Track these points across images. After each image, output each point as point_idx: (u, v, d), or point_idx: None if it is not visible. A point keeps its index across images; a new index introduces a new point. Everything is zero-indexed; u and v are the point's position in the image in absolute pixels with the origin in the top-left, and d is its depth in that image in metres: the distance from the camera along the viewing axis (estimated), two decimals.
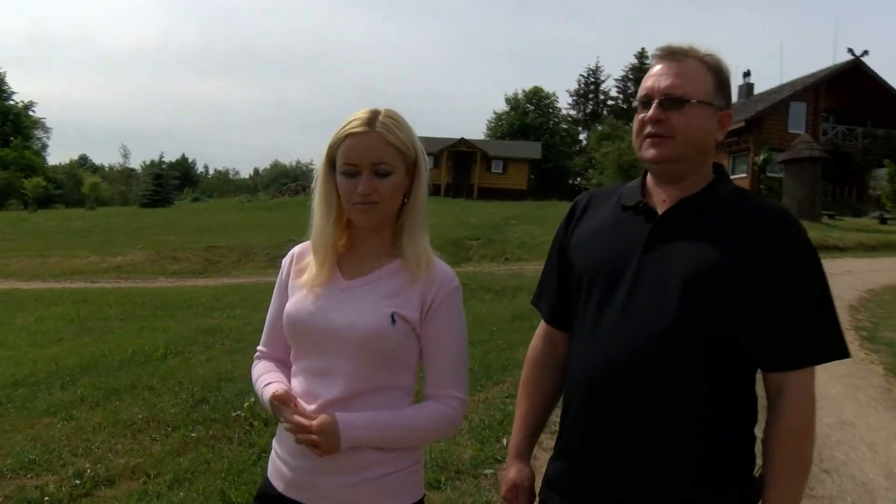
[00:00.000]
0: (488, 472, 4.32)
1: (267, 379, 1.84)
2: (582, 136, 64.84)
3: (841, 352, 1.62)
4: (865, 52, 34.44)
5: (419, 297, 1.76)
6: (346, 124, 1.74)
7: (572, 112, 67.25)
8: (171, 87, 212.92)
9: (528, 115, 56.54)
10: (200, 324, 9.85)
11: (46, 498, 4.00)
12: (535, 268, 14.85)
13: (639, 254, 1.65)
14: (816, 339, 1.60)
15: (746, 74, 42.08)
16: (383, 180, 1.72)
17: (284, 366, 1.89)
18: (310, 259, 1.84)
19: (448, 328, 1.79)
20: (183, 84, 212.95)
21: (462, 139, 46.62)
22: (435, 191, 44.71)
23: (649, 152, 1.67)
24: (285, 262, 1.92)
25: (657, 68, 1.70)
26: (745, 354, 1.60)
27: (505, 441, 4.51)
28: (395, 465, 1.75)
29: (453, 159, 46.00)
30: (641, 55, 66.55)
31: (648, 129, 1.67)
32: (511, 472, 1.89)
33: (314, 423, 1.64)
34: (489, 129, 59.61)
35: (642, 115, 1.69)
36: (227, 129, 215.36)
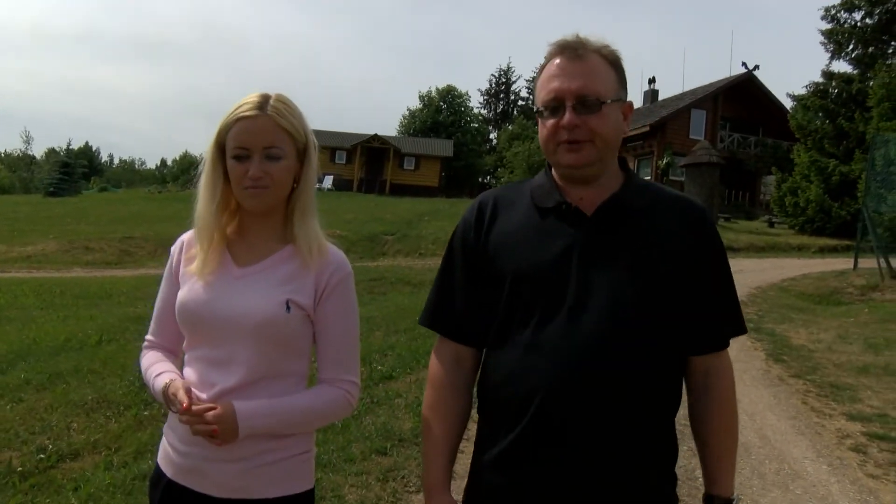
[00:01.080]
0: None
1: (157, 369, 1.80)
2: (492, 136, 65.93)
3: (744, 328, 1.73)
4: (756, 67, 36.39)
5: (313, 282, 1.76)
6: (237, 108, 1.72)
7: (483, 111, 68.29)
8: (72, 71, 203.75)
9: (440, 113, 56.87)
10: (127, 312, 9.97)
11: (20, 469, 4.25)
12: None
13: (576, 257, 1.60)
14: (733, 319, 1.69)
15: (652, 81, 43.61)
16: (274, 164, 1.71)
17: (173, 355, 1.87)
18: (198, 246, 1.81)
19: (341, 313, 1.79)
20: (85, 69, 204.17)
21: (375, 135, 46.66)
22: (348, 186, 44.60)
23: (568, 157, 1.62)
24: (174, 249, 1.88)
25: (556, 68, 1.64)
26: (684, 340, 1.63)
27: None
28: (287, 451, 1.75)
29: (366, 155, 45.99)
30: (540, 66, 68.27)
31: (564, 135, 1.61)
32: None
33: (211, 413, 1.61)
34: (402, 125, 59.82)
35: (554, 121, 1.62)
36: (132, 118, 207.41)
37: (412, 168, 46.98)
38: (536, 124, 1.74)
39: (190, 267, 1.79)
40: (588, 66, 1.61)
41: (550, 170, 1.74)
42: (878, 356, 7.97)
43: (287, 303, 1.71)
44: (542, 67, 1.69)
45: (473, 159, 55.57)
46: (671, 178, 32.03)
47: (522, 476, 1.60)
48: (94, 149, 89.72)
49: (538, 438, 1.57)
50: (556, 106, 1.62)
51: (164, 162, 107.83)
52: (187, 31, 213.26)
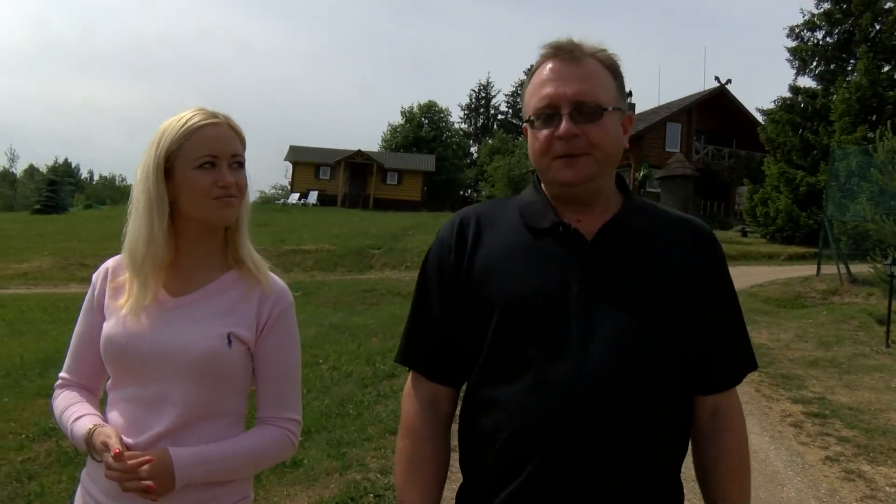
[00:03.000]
0: None
1: (76, 411, 1.64)
2: (473, 150, 66.93)
3: (755, 363, 1.59)
4: (729, 81, 37.39)
5: (255, 314, 1.64)
6: (188, 119, 1.60)
7: (464, 126, 69.30)
8: (43, 86, 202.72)
9: (422, 129, 57.65)
10: None
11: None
12: None
13: (575, 284, 1.42)
14: (745, 355, 1.55)
15: (629, 95, 44.66)
16: (240, 172, 1.63)
17: (91, 394, 1.73)
18: (127, 276, 1.65)
19: (284, 347, 1.68)
20: (57, 84, 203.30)
21: (359, 151, 47.29)
22: (332, 201, 45.19)
23: (565, 174, 1.44)
24: (96, 277, 1.72)
25: (550, 72, 1.46)
26: (692, 377, 1.49)
27: None
28: (228, 498, 1.63)
29: (350, 170, 46.63)
30: (530, 71, 69.56)
31: (560, 147, 1.42)
32: None
33: (146, 467, 1.46)
34: (384, 141, 60.61)
35: (548, 131, 1.43)
36: (108, 134, 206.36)
37: (395, 183, 47.71)
38: (524, 136, 1.57)
39: (119, 300, 1.63)
40: (585, 69, 1.44)
41: (539, 184, 1.57)
42: (828, 351, 8.86)
43: (228, 336, 1.58)
44: (532, 72, 1.51)
45: (455, 173, 56.37)
46: (648, 189, 33.01)
47: None
48: (73, 165, 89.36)
49: (543, 485, 1.40)
50: (550, 114, 1.43)
51: None
52: (159, 48, 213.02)
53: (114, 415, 1.61)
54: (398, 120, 60.77)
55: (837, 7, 26.58)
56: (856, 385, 7.22)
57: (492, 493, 1.45)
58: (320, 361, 7.48)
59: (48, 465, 4.52)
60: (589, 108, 1.42)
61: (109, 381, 1.66)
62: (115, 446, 1.47)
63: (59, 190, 45.29)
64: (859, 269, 14.18)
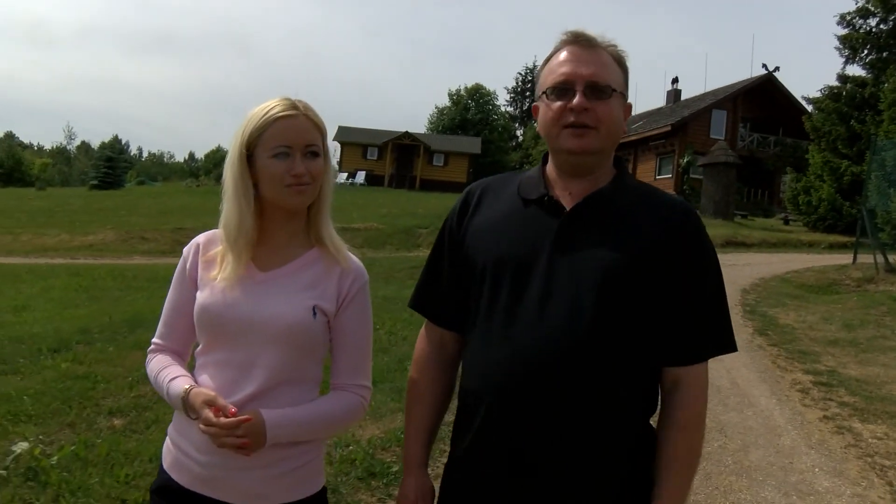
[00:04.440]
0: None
1: (171, 372, 1.78)
2: (518, 132, 67.24)
3: (730, 346, 1.64)
4: (777, 69, 37.34)
5: (335, 289, 1.76)
6: (268, 110, 1.72)
7: (510, 109, 69.56)
8: (94, 65, 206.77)
9: (468, 111, 58.18)
10: None
11: None
12: None
13: (548, 249, 1.58)
14: (713, 334, 1.61)
15: (675, 81, 44.47)
16: (314, 161, 1.73)
17: (181, 358, 1.86)
18: (218, 250, 1.79)
19: (359, 321, 1.80)
20: (106, 62, 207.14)
21: (406, 132, 48.21)
22: (379, 181, 45.92)
23: (572, 142, 1.59)
24: (188, 251, 1.85)
25: (568, 54, 1.63)
26: (653, 347, 1.58)
27: None
28: (306, 456, 1.77)
29: (397, 151, 47.55)
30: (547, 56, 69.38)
31: (571, 118, 1.58)
32: (409, 484, 1.77)
33: (244, 426, 1.60)
34: (431, 123, 61.22)
35: (562, 103, 1.59)
36: (154, 111, 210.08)
37: (441, 164, 48.49)
38: (534, 119, 1.71)
39: (211, 272, 1.78)
40: (600, 57, 1.62)
41: (544, 165, 1.74)
42: (850, 333, 9.41)
43: (314, 308, 1.72)
44: (550, 56, 1.69)
45: (500, 156, 56.67)
46: (691, 176, 33.18)
47: (479, 472, 1.62)
48: (123, 142, 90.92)
49: (495, 433, 1.57)
50: (565, 88, 1.60)
51: (192, 155, 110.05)
52: (202, 25, 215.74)
53: (204, 377, 1.76)
54: (445, 102, 61.34)
55: None
56: (869, 362, 7.80)
57: (461, 430, 1.68)
58: (378, 328, 8.28)
59: (157, 401, 5.35)
60: (601, 88, 1.59)
61: (200, 347, 1.81)
62: (229, 406, 1.62)
63: (115, 166, 46.91)
64: None
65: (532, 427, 1.53)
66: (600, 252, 1.56)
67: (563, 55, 1.64)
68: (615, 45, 1.67)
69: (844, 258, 17.84)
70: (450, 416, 1.82)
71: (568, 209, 1.61)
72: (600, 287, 1.53)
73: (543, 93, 1.65)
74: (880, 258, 15.18)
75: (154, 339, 1.88)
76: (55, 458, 4.02)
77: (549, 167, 1.72)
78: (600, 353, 1.52)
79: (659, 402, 1.66)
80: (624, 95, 1.65)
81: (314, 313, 1.72)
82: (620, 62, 1.66)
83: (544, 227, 1.61)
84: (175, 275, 1.85)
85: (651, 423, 1.65)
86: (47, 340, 7.44)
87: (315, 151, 1.73)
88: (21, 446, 4.13)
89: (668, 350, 1.59)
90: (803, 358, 7.77)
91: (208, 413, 1.62)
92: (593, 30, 1.66)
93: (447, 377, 1.81)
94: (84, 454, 4.15)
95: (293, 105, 1.73)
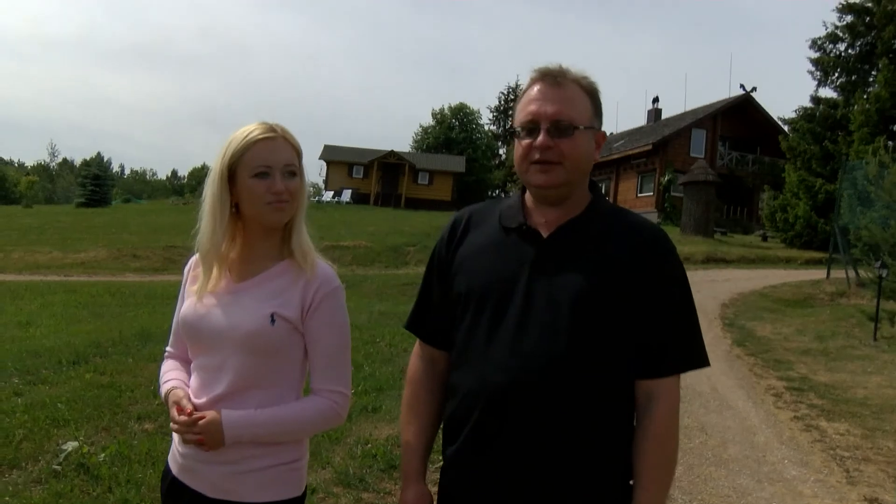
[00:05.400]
0: None
1: (168, 376, 1.96)
2: (502, 151, 67.95)
3: (703, 361, 1.71)
4: (754, 89, 38.29)
5: (300, 297, 1.84)
6: (250, 133, 1.82)
7: (493, 127, 70.31)
8: (73, 80, 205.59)
9: (453, 130, 58.72)
10: None
11: None
12: None
13: (526, 275, 1.66)
14: (684, 349, 1.67)
15: (655, 100, 44.97)
16: (293, 180, 1.83)
17: (188, 364, 1.98)
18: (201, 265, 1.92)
19: (329, 327, 1.86)
20: (85, 77, 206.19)
21: (392, 151, 48.71)
22: (365, 199, 46.25)
23: (538, 178, 1.68)
24: (187, 268, 2.01)
25: (537, 93, 1.70)
26: (627, 362, 1.64)
27: None
28: (276, 458, 1.84)
29: (383, 170, 48.03)
30: (521, 90, 70.16)
31: (536, 155, 1.66)
32: (408, 495, 1.84)
33: (200, 423, 1.75)
34: (415, 141, 61.67)
35: (529, 141, 1.68)
36: (135, 128, 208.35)
37: (426, 183, 48.99)
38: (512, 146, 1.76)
39: (193, 286, 1.92)
40: (566, 93, 1.68)
41: (524, 192, 1.81)
42: (822, 343, 10.01)
43: (272, 315, 1.80)
44: (523, 91, 1.76)
45: (484, 174, 57.22)
46: (672, 194, 33.85)
47: (462, 482, 1.71)
48: (105, 159, 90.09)
49: (474, 449, 1.67)
50: (532, 128, 1.68)
51: (175, 173, 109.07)
52: (187, 39, 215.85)
53: (193, 379, 1.92)
54: (429, 122, 61.93)
55: (860, 20, 27.35)
56: (837, 369, 8.40)
57: (448, 447, 1.76)
58: (378, 340, 8.75)
59: None
60: (563, 126, 1.65)
61: (189, 352, 1.96)
62: (187, 406, 1.80)
63: (102, 184, 46.98)
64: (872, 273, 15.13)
65: (514, 440, 1.62)
66: (574, 276, 1.64)
67: (532, 93, 1.72)
68: (586, 76, 1.73)
69: (819, 273, 18.38)
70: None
71: (545, 237, 1.71)
72: (574, 308, 1.61)
73: (515, 131, 1.73)
74: (852, 273, 15.81)
75: (167, 347, 2.06)
76: (102, 455, 4.45)
77: (528, 195, 1.80)
78: (577, 369, 1.59)
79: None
80: (593, 127, 1.72)
81: (272, 320, 1.80)
82: (591, 93, 1.73)
83: (523, 254, 1.70)
84: (179, 290, 2.03)
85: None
86: (64, 353, 7.79)
87: (293, 171, 1.84)
88: (71, 445, 4.56)
89: (639, 364, 1.65)
90: (778, 366, 8.33)
91: (173, 411, 1.81)
92: (565, 60, 1.76)
93: (439, 393, 1.88)
94: (126, 452, 4.57)
95: (272, 128, 1.84)
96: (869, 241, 11.48)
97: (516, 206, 1.78)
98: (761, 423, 6.06)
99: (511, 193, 1.96)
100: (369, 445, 4.88)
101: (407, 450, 1.89)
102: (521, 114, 1.72)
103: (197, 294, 1.88)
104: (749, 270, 21.23)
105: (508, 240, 1.74)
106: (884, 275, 10.28)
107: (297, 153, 1.88)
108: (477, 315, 1.70)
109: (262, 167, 1.80)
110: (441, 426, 1.87)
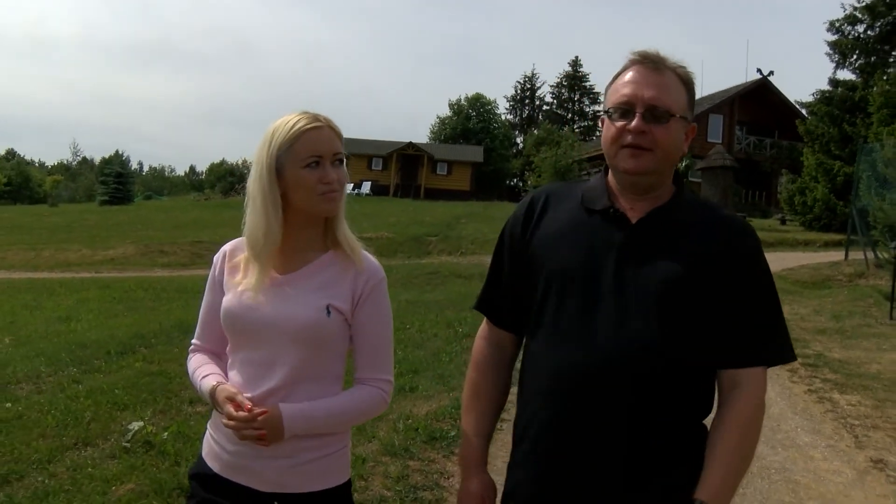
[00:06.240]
0: None
1: (204, 370, 1.90)
2: (519, 140, 68.07)
3: (789, 356, 1.69)
4: (771, 73, 38.52)
5: (350, 288, 1.83)
6: (295, 123, 1.78)
7: (510, 117, 70.37)
8: (88, 80, 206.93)
9: (470, 121, 58.88)
10: None
11: None
12: (490, 259, 17.50)
13: (614, 260, 1.63)
14: (771, 343, 1.67)
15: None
16: (341, 168, 1.82)
17: (218, 357, 1.95)
18: (242, 257, 1.89)
19: (377, 317, 1.87)
20: (102, 75, 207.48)
21: (410, 143, 49.28)
22: (384, 191, 46.78)
23: (628, 163, 1.64)
24: (217, 258, 1.95)
25: (634, 75, 1.66)
26: (714, 352, 1.63)
27: None
28: (328, 448, 1.85)
29: (401, 161, 48.53)
30: (575, 63, 70.41)
31: (629, 139, 1.62)
32: (472, 484, 1.80)
33: (260, 419, 1.71)
34: (433, 132, 61.94)
35: (622, 124, 1.63)
36: (152, 124, 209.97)
37: (445, 173, 49.39)
38: (600, 126, 1.76)
39: (236, 277, 1.88)
40: (664, 79, 1.65)
41: (606, 175, 1.77)
42: (838, 323, 10.29)
43: (328, 307, 1.80)
44: (618, 74, 1.71)
45: (502, 164, 57.37)
46: (690, 179, 33.91)
47: (546, 470, 1.66)
48: (124, 157, 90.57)
49: (559, 433, 1.63)
50: (626, 109, 1.64)
51: (193, 169, 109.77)
52: (201, 37, 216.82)
53: (233, 374, 1.88)
54: (446, 112, 62.18)
55: (880, 0, 27.28)
56: (852, 347, 8.69)
57: (526, 428, 1.72)
58: (408, 327, 9.12)
59: None
60: (659, 112, 1.62)
61: (229, 346, 1.91)
62: (245, 402, 1.74)
63: (125, 182, 47.74)
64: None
65: (605, 423, 1.59)
66: (666, 264, 1.62)
67: (628, 75, 1.68)
68: (684, 66, 1.70)
69: (838, 255, 18.41)
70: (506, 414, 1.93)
71: (633, 222, 1.68)
72: (664, 297, 1.59)
73: (606, 111, 1.70)
74: (870, 254, 15.91)
75: (193, 340, 2.02)
76: (165, 434, 4.85)
77: (611, 179, 1.76)
78: (669, 356, 1.59)
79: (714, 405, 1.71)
80: (686, 118, 1.69)
81: (328, 312, 1.80)
82: (687, 83, 1.70)
83: (609, 238, 1.67)
84: (208, 281, 1.98)
85: (704, 423, 1.70)
86: (111, 345, 8.21)
87: (341, 159, 1.83)
88: (136, 425, 4.98)
89: (724, 353, 1.64)
90: (794, 344, 8.49)
91: (229, 408, 1.75)
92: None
93: (505, 378, 1.87)
94: (186, 431, 4.98)
95: (316, 118, 1.81)
96: (885, 223, 11.68)
97: (600, 188, 1.75)
98: (777, 396, 6.36)
99: (590, 177, 1.93)
100: (410, 421, 5.25)
101: (468, 436, 1.86)
102: (615, 95, 1.68)
103: (251, 287, 1.83)
104: (768, 254, 19.69)
105: (592, 221, 1.71)
106: None
107: (342, 141, 1.86)
108: (564, 296, 1.67)
109: (313, 157, 1.78)
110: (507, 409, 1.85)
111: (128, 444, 4.71)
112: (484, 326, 1.92)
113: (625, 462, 1.58)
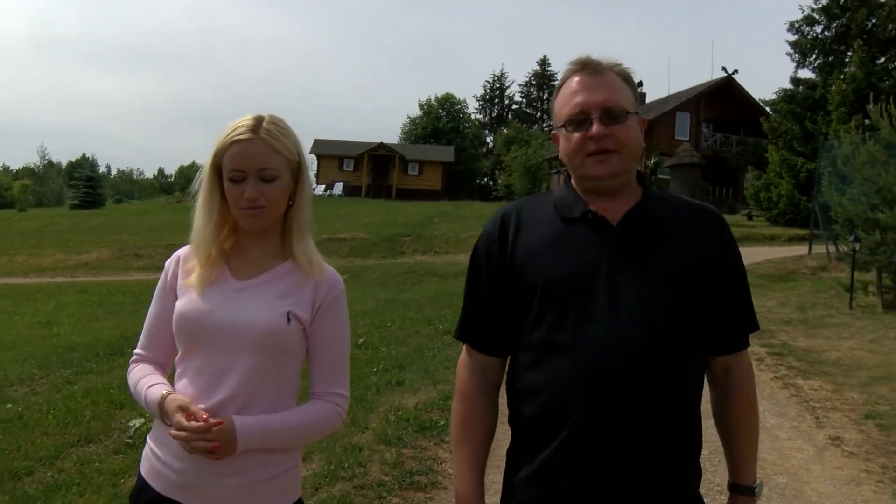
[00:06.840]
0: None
1: (150, 380, 1.82)
2: (489, 139, 68.49)
3: (757, 324, 1.79)
4: (736, 71, 39.07)
5: (310, 297, 1.80)
6: (231, 131, 1.74)
7: (479, 116, 70.75)
8: (51, 81, 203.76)
9: (440, 120, 59.20)
10: None
11: None
12: (464, 258, 17.75)
13: (606, 263, 1.61)
14: (750, 319, 1.75)
15: (639, 84, 45.74)
16: (269, 185, 1.74)
17: (163, 368, 1.89)
18: (195, 261, 1.83)
19: (335, 328, 1.83)
20: (65, 77, 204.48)
21: (381, 143, 49.41)
22: (356, 192, 46.89)
23: (597, 170, 1.64)
24: (169, 264, 1.89)
25: (579, 84, 1.66)
26: (709, 341, 1.68)
27: None
28: (280, 467, 1.78)
29: (373, 162, 48.69)
30: (543, 62, 71.14)
31: (592, 146, 1.62)
32: None
33: (214, 430, 1.63)
34: (403, 133, 62.05)
35: (580, 134, 1.63)
36: (118, 127, 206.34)
37: (416, 173, 49.66)
38: (554, 143, 1.77)
39: (189, 279, 1.81)
40: (608, 80, 1.66)
41: (569, 181, 1.76)
42: (803, 314, 10.75)
43: (288, 314, 1.75)
44: (560, 86, 1.72)
45: (472, 163, 57.73)
46: (659, 177, 34.49)
47: (558, 484, 1.62)
48: (90, 159, 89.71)
49: (578, 443, 1.59)
50: (581, 119, 1.63)
51: (162, 171, 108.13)
52: (174, 37, 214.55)
53: (182, 384, 1.78)
54: (416, 112, 62.39)
55: (835, 2, 27.88)
56: (815, 336, 9.13)
57: (537, 448, 1.65)
58: (389, 325, 9.38)
59: None
60: (615, 113, 1.63)
61: (179, 355, 1.82)
62: (199, 412, 1.65)
63: (95, 185, 47.29)
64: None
65: (606, 429, 1.58)
66: (657, 259, 1.63)
67: (573, 85, 1.68)
68: (620, 64, 1.71)
69: (802, 249, 18.92)
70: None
71: (614, 224, 1.66)
72: (665, 292, 1.60)
73: (562, 125, 1.69)
74: (832, 248, 16.36)
75: (136, 350, 1.92)
76: None
77: (577, 186, 1.75)
78: (674, 353, 1.59)
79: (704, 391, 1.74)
80: (638, 112, 1.70)
81: (288, 319, 1.75)
82: (628, 80, 1.71)
83: (596, 242, 1.65)
84: (157, 288, 1.91)
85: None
86: (99, 347, 8.39)
87: (270, 176, 1.75)
88: (137, 422, 5.18)
89: (721, 341, 1.70)
90: (760, 335, 8.99)
91: (180, 417, 1.65)
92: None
93: (493, 404, 1.80)
94: None
95: (252, 128, 1.74)
96: (845, 217, 12.15)
97: (572, 196, 1.73)
98: None
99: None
100: (401, 412, 5.52)
101: (462, 470, 1.78)
102: (565, 108, 1.68)
103: (197, 287, 1.78)
104: None
105: (573, 229, 1.68)
106: (857, 248, 11.01)
107: (283, 154, 1.78)
108: (560, 309, 1.62)
109: (235, 171, 1.74)
110: (501, 438, 1.81)
111: (130, 440, 4.92)
112: (464, 356, 1.84)
113: (626, 465, 1.58)
